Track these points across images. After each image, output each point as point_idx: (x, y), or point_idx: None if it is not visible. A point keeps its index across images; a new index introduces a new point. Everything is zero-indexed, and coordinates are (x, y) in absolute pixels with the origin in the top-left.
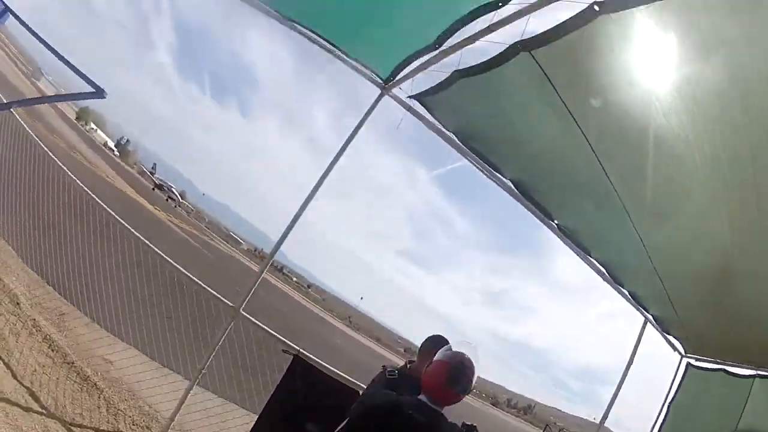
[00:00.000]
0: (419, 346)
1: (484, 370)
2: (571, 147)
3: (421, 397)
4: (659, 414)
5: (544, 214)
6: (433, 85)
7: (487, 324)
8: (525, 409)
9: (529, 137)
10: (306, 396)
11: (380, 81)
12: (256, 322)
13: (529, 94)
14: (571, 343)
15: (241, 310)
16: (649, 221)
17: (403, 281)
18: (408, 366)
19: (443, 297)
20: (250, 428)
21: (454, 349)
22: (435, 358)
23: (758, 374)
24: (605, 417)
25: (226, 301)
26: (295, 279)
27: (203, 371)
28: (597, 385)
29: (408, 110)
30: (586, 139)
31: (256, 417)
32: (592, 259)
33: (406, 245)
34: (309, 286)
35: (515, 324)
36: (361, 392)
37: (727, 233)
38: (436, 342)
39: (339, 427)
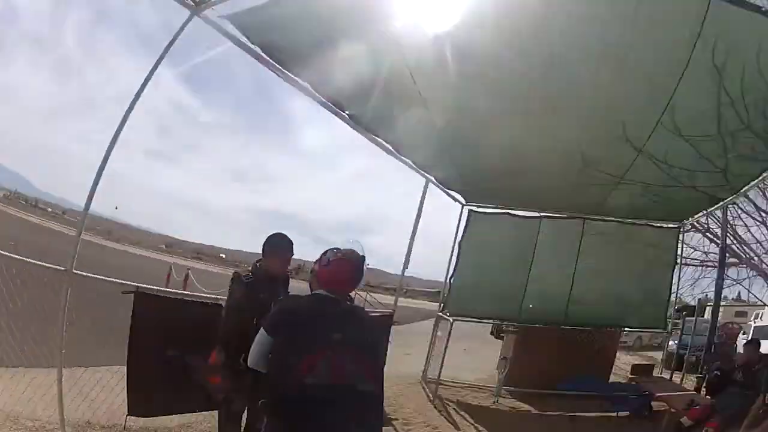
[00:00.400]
0: (263, 244)
1: (241, 244)
2: (384, 58)
3: (320, 291)
4: (451, 254)
5: (337, 106)
6: (252, 6)
7: (237, 200)
8: (296, 269)
9: (343, 51)
10: (163, 327)
11: (191, 2)
12: (92, 275)
13: (352, 17)
14: (323, 204)
15: (73, 270)
16: (446, 112)
17: (154, 181)
18: (258, 265)
19: (194, 185)
20: (126, 382)
21: (345, 247)
22: (332, 258)
23: (543, 216)
24: (405, 266)
25: (55, 266)
26: (50, 210)
27: (63, 351)
28: (357, 236)
29: (224, 35)
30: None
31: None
32: (378, 139)
33: (152, 145)
34: (64, 213)
35: (264, 195)
36: (222, 304)
37: (517, 121)
38: (279, 240)
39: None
